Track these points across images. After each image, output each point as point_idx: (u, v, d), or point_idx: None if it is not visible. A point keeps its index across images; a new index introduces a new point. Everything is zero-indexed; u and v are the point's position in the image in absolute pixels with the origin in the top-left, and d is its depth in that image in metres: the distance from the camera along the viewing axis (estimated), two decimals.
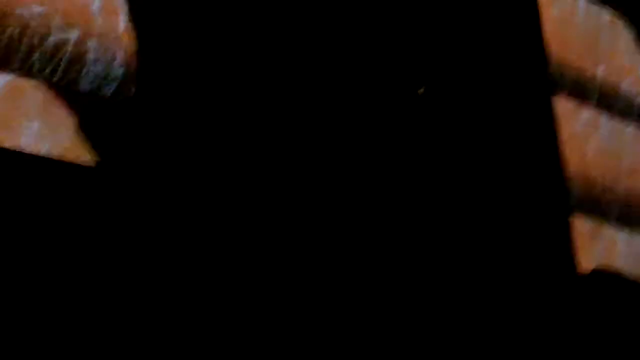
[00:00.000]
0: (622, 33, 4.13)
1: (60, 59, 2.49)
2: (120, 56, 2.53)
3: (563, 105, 3.67)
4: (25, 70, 2.39)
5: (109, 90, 2.45)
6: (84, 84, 2.47)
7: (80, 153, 2.45)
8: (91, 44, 2.52)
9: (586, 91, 3.84)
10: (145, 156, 2.46)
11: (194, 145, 2.59)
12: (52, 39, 2.47)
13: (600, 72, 3.94)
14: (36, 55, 2.45)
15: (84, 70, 2.51)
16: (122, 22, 2.58)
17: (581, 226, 3.46)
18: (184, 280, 2.46)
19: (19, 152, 2.29)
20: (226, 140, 2.64)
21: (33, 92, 2.46)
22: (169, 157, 2.52)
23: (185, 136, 2.56)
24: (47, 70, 2.45)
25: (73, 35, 2.50)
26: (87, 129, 2.43)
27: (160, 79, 2.57)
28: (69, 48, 2.49)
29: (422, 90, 3.29)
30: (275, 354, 2.55)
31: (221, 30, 2.77)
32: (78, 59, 2.50)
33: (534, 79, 3.64)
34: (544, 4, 3.82)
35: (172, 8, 2.66)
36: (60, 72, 2.46)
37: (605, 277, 3.40)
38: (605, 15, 4.08)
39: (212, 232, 2.58)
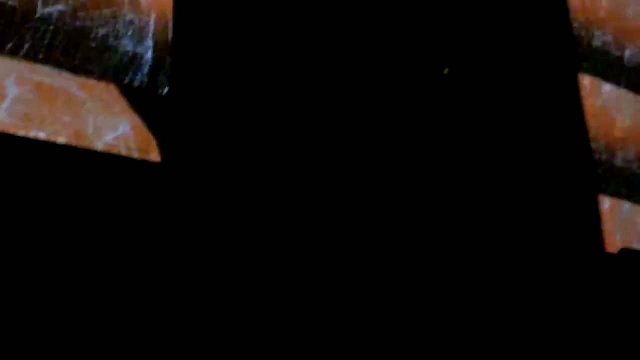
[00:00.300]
0: None
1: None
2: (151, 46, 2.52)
3: (589, 82, 3.63)
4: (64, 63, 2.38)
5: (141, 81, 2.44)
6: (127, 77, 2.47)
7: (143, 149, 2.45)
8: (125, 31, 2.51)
9: (613, 68, 3.80)
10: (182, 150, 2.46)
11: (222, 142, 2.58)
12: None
13: (627, 50, 3.90)
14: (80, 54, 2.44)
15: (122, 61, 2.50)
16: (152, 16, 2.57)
17: (609, 205, 3.43)
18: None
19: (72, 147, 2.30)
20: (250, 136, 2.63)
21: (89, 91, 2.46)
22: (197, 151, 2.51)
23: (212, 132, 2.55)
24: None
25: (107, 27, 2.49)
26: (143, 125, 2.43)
27: (189, 74, 2.55)
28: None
29: (447, 70, 3.27)
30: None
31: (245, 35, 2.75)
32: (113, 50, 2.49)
33: (560, 54, 3.60)
34: None
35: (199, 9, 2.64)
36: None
37: (634, 256, 3.38)
38: None
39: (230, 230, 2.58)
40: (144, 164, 2.40)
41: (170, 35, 2.57)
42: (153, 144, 2.46)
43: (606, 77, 3.71)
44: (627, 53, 3.83)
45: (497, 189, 3.11)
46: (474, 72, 3.27)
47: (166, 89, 2.52)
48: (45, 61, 2.35)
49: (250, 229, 2.52)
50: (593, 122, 3.56)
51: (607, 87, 3.68)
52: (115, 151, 2.40)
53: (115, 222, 2.29)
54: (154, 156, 2.47)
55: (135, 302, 2.25)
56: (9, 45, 2.33)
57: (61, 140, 2.31)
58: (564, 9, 3.66)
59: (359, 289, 2.68)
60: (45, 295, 2.13)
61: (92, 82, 2.43)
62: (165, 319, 2.29)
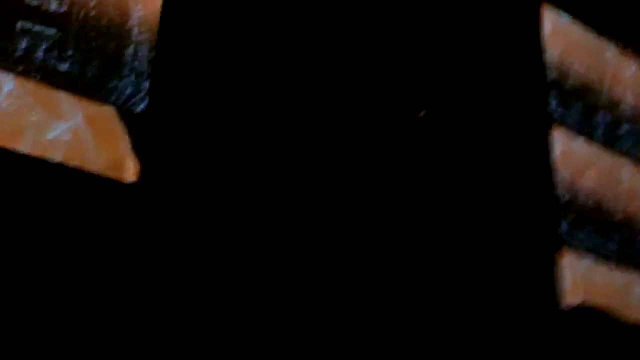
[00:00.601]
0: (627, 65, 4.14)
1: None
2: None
3: (561, 133, 3.67)
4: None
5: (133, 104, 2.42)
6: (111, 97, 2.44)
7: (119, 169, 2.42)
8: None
9: (585, 122, 3.85)
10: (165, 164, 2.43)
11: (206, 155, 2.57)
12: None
13: (603, 101, 3.95)
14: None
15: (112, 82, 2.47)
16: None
17: (566, 261, 3.47)
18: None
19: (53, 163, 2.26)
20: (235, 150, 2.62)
21: (69, 106, 2.42)
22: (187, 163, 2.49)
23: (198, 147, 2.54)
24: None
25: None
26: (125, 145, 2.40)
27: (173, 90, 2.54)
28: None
29: (423, 113, 3.28)
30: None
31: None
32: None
33: (533, 107, 3.64)
34: (548, 37, 3.82)
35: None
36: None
37: (587, 313, 3.42)
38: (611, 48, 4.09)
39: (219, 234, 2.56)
40: (117, 183, 2.37)
41: (148, 56, 2.55)
42: (129, 163, 2.44)
43: (578, 130, 3.76)
44: (600, 113, 3.89)
45: (462, 236, 3.12)
46: (449, 116, 3.29)
47: (142, 108, 2.50)
48: (27, 72, 2.32)
49: (226, 247, 2.51)
50: (561, 174, 3.60)
51: (579, 140, 3.73)
52: (89, 169, 2.37)
53: (87, 239, 2.26)
54: (129, 175, 2.44)
55: (112, 318, 2.23)
56: None
57: (26, 150, 2.28)
58: (540, 61, 3.70)
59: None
60: (13, 314, 2.09)
61: (72, 99, 2.40)
62: (137, 336, 2.26)
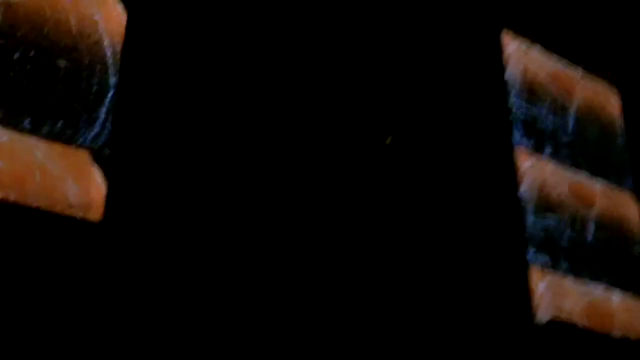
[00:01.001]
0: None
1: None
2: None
3: (524, 154, 3.74)
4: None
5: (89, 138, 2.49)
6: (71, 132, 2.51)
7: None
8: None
9: (548, 140, 3.91)
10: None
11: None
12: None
13: (569, 119, 4.02)
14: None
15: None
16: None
17: (538, 277, 3.52)
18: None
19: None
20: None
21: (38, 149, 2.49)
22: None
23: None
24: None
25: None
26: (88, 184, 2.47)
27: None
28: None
29: (389, 139, 3.34)
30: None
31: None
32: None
33: (497, 130, 3.71)
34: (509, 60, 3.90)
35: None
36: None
37: (560, 328, 3.47)
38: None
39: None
40: (84, 222, 2.44)
41: (111, 95, 2.64)
42: (94, 202, 2.51)
43: (542, 148, 3.82)
44: (569, 122, 3.96)
45: (432, 255, 3.19)
46: (414, 142, 3.35)
47: (107, 150, 2.57)
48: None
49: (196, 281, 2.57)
50: (529, 190, 3.66)
51: (544, 157, 3.79)
52: (56, 209, 2.44)
53: (54, 278, 2.33)
54: (94, 214, 2.52)
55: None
56: None
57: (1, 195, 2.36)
58: (502, 84, 3.78)
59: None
60: None
61: (38, 139, 2.48)
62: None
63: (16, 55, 2.52)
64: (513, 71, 3.87)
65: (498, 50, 3.88)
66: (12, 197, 2.39)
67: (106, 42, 2.69)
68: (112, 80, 2.67)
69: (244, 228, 2.75)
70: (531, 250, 3.56)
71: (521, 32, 4.00)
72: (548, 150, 3.86)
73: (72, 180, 2.50)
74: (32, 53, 2.54)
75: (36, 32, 2.54)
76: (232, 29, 3.00)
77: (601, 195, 4.00)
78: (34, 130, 2.48)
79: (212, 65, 2.90)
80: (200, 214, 2.67)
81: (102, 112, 2.62)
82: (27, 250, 2.33)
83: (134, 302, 2.46)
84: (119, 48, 2.69)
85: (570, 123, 4.05)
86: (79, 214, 2.49)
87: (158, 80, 2.74)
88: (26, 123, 2.49)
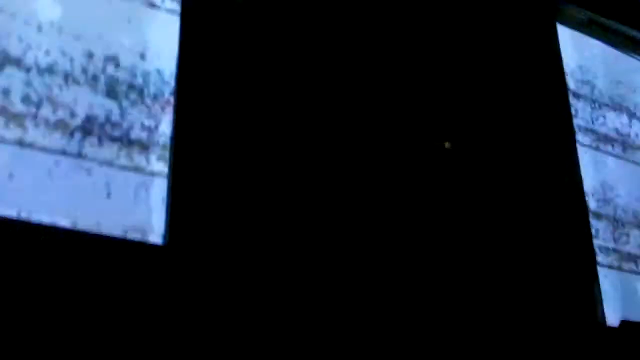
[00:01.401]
0: None
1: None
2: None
3: (588, 154, 3.66)
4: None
5: None
6: None
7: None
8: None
9: (612, 143, 3.82)
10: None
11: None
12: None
13: (623, 119, 3.93)
14: None
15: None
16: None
17: (608, 278, 3.44)
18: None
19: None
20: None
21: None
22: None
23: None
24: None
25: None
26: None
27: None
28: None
29: (448, 143, 3.29)
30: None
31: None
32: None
33: (557, 126, 3.64)
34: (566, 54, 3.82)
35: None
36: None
37: (632, 329, 3.39)
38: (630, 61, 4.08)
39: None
40: (144, 246, 2.42)
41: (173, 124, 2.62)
42: (154, 226, 2.49)
43: (606, 151, 3.74)
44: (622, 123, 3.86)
45: (497, 259, 3.13)
46: (474, 147, 3.30)
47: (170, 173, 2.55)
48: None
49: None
50: (594, 196, 3.58)
51: (610, 161, 3.71)
52: (116, 234, 2.43)
53: (117, 304, 2.31)
54: (155, 238, 2.50)
55: None
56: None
57: (63, 223, 2.35)
58: (562, 84, 3.71)
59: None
60: None
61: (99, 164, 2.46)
62: None
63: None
64: (570, 64, 3.78)
65: (554, 42, 3.80)
66: (69, 222, 2.38)
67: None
68: (172, 107, 2.65)
69: (305, 250, 2.71)
70: (599, 251, 3.48)
71: (575, 22, 3.92)
72: (611, 147, 3.77)
73: (133, 203, 2.48)
74: None
75: None
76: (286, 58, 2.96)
77: None
78: (93, 155, 2.47)
79: (268, 95, 2.87)
80: (262, 237, 2.64)
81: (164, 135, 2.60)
82: (90, 275, 2.31)
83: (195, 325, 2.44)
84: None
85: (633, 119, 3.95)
86: (140, 237, 2.47)
87: (217, 109, 2.72)
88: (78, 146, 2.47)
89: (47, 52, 2.50)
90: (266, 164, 2.75)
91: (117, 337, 2.28)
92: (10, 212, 2.31)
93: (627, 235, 3.63)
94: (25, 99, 2.43)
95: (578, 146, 3.65)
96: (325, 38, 3.11)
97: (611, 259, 3.53)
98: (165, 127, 2.63)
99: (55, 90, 2.48)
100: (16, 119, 2.39)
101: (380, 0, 3.34)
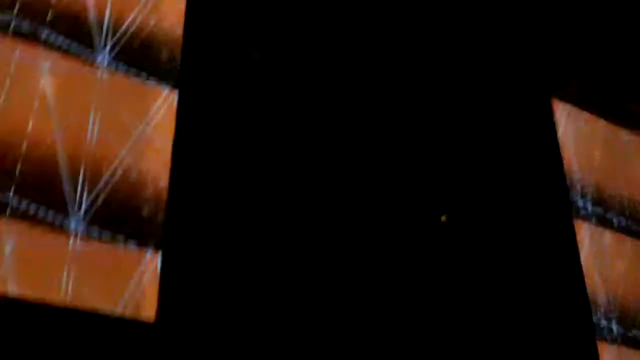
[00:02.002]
0: None
1: None
2: None
3: (585, 228, 3.65)
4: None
5: None
6: None
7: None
8: None
9: (609, 214, 3.82)
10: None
11: None
12: None
13: (622, 193, 3.93)
14: None
15: None
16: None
17: (606, 350, 3.41)
18: None
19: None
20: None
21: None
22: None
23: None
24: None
25: None
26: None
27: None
28: None
29: (445, 217, 3.29)
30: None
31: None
32: None
33: (555, 202, 3.64)
34: (561, 127, 3.84)
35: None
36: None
37: None
38: (625, 136, 4.10)
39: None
40: (136, 323, 2.42)
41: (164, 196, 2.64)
42: (146, 302, 2.49)
43: (603, 223, 3.73)
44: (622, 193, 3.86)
45: (493, 334, 3.10)
46: (470, 220, 3.30)
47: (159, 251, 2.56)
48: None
49: None
50: (591, 268, 3.57)
51: (607, 234, 3.70)
52: (107, 311, 2.42)
53: None
54: (147, 315, 2.49)
55: None
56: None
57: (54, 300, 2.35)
58: (558, 159, 3.72)
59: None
60: None
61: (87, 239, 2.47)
62: None
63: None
64: (566, 138, 3.80)
65: (549, 117, 3.83)
66: (66, 299, 2.37)
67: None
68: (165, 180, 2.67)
69: (298, 329, 2.70)
70: (601, 321, 3.45)
71: (570, 97, 3.94)
72: (609, 219, 3.77)
73: (124, 280, 2.48)
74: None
75: None
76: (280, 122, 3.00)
77: None
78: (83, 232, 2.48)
79: (258, 169, 2.89)
80: (254, 309, 2.64)
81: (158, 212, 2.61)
82: (80, 353, 2.31)
83: None
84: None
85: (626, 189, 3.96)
86: (131, 314, 2.46)
87: (208, 183, 2.74)
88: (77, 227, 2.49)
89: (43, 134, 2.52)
90: (258, 243, 2.75)
91: None
92: None
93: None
94: None
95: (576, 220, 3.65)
96: (316, 115, 3.14)
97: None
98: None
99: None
100: None
101: (376, 74, 3.38)
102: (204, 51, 2.84)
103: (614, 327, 3.51)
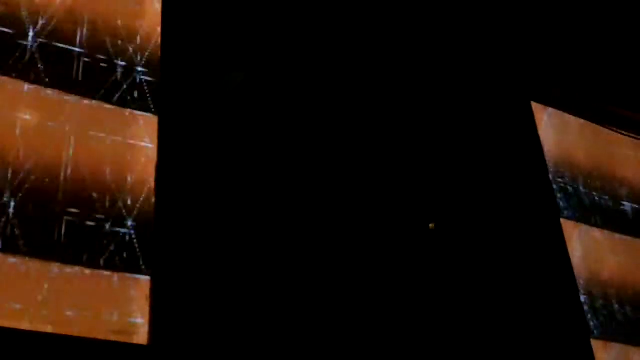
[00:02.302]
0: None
1: None
2: None
3: (572, 226, 3.65)
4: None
5: None
6: None
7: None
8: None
9: (594, 212, 3.82)
10: None
11: None
12: None
13: (602, 190, 3.93)
14: None
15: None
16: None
17: (600, 349, 3.41)
18: None
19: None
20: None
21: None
22: None
23: None
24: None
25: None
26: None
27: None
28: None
29: (432, 225, 3.28)
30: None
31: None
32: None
33: (540, 202, 3.64)
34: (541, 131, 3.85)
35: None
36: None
37: None
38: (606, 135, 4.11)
39: None
40: (129, 346, 2.41)
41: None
42: (139, 326, 2.48)
43: (589, 221, 3.73)
44: (607, 197, 3.87)
45: (483, 341, 3.10)
46: (458, 227, 3.30)
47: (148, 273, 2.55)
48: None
49: None
50: (581, 268, 3.56)
51: (595, 232, 3.70)
52: (99, 335, 2.41)
53: None
54: (140, 339, 2.48)
55: None
56: None
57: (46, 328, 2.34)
58: (541, 161, 3.72)
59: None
60: None
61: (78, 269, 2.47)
62: None
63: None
64: (547, 141, 3.81)
65: (530, 121, 3.84)
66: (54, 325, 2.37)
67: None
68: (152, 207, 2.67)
69: (290, 347, 2.70)
70: (592, 323, 3.44)
71: (550, 101, 3.96)
72: (595, 219, 3.77)
73: (115, 305, 2.47)
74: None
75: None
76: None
77: None
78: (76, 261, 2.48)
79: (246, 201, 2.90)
80: (247, 327, 2.63)
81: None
82: None
83: None
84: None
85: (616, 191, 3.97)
86: (124, 339, 2.45)
87: (197, 209, 2.74)
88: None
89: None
90: (250, 266, 2.75)
91: None
92: None
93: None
94: None
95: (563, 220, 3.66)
96: (311, 129, 3.15)
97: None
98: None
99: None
100: None
101: (363, 87, 3.39)
102: (183, 74, 2.86)
103: (607, 324, 3.51)
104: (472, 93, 3.71)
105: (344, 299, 2.89)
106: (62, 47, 2.72)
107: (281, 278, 2.79)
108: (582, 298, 3.47)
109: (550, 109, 3.97)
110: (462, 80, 3.71)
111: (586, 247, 3.66)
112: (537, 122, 3.86)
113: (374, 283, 2.99)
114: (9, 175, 2.47)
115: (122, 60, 2.82)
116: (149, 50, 2.87)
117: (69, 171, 2.59)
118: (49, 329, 2.36)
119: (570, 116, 4.01)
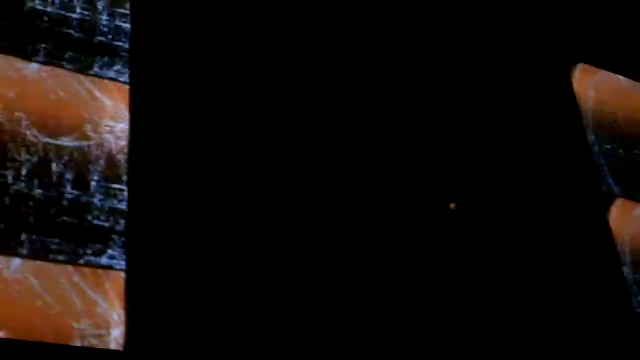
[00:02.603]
0: None
1: None
2: None
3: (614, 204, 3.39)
4: None
5: None
6: None
7: None
8: None
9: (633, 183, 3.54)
10: None
11: None
12: None
13: None
14: None
15: None
16: None
17: None
18: None
19: None
20: None
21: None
22: None
23: None
24: None
25: None
26: None
27: None
28: None
29: (453, 204, 3.09)
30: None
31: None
32: None
33: (581, 176, 3.41)
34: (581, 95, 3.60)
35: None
36: None
37: None
38: None
39: None
40: (105, 352, 2.23)
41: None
42: (113, 330, 2.30)
43: (634, 192, 3.46)
44: None
45: (504, 323, 2.87)
46: (480, 208, 3.07)
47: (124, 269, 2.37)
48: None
49: None
50: (625, 245, 3.30)
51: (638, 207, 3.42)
52: (73, 341, 2.23)
53: None
54: (115, 344, 2.30)
55: None
56: None
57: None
58: (580, 129, 3.46)
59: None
60: None
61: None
62: None
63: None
64: (588, 107, 3.52)
65: (569, 86, 3.56)
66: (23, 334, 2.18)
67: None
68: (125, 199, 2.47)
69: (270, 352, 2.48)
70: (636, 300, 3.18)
71: (593, 63, 3.67)
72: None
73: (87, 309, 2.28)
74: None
75: None
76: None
77: None
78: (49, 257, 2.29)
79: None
80: (222, 335, 2.42)
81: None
82: None
83: None
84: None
85: None
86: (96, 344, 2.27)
87: (170, 203, 2.53)
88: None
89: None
90: (229, 260, 2.53)
91: None
92: None
93: None
94: None
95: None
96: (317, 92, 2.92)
97: None
98: None
99: None
100: None
101: (378, 54, 3.14)
102: (156, 42, 2.63)
103: None
104: (510, 59, 3.45)
105: (350, 290, 2.69)
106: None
107: (271, 271, 2.58)
108: (626, 272, 3.20)
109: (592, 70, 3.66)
110: (500, 41, 3.44)
111: (629, 223, 3.36)
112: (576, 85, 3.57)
113: (402, 259, 2.78)
114: None
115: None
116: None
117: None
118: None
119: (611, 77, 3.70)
